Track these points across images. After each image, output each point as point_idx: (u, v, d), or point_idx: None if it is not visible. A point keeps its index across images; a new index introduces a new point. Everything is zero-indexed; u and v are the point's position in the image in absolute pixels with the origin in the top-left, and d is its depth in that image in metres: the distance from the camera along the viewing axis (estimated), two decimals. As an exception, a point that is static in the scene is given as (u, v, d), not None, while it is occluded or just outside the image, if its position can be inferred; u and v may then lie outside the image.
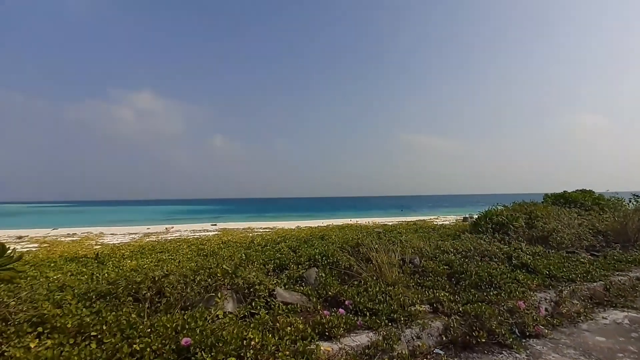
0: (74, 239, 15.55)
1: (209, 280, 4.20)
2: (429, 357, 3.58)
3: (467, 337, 3.73)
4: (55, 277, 5.14)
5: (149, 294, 3.81)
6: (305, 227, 17.87)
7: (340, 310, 3.73)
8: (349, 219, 24.82)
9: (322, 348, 3.12)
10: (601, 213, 11.23)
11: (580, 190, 14.11)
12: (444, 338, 3.85)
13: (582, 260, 6.66)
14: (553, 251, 7.29)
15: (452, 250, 6.69)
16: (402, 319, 3.80)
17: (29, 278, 5.13)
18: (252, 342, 2.89)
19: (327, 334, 3.47)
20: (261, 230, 16.98)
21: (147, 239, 14.02)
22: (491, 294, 4.60)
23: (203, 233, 16.57)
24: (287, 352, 2.92)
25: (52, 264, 6.62)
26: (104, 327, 3.14)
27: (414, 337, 3.72)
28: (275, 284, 4.41)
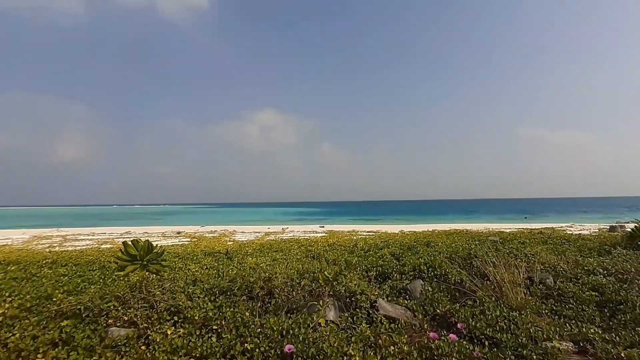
0: (214, 235, 18.02)
1: (313, 285, 4.12)
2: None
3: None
4: (194, 269, 5.88)
5: (260, 293, 3.93)
6: (409, 231, 16.85)
7: (452, 335, 3.11)
8: (457, 224, 22.50)
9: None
10: None
11: None
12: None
13: None
14: None
15: (600, 270, 5.06)
16: (534, 356, 2.89)
17: (176, 269, 6.03)
18: (352, 360, 2.62)
19: (435, 362, 2.94)
20: (365, 234, 16.72)
21: (267, 238, 15.27)
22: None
23: (312, 234, 17.22)
24: (390, 378, 2.56)
25: (194, 258, 7.63)
26: (223, 323, 3.31)
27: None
28: (377, 295, 4.07)
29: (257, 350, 2.88)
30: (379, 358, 2.77)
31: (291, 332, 3.07)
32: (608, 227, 15.19)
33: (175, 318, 3.41)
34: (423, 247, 8.76)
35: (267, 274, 4.14)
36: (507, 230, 15.80)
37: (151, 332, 3.22)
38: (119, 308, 3.53)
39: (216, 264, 6.44)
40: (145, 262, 3.80)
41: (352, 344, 2.91)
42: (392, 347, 2.91)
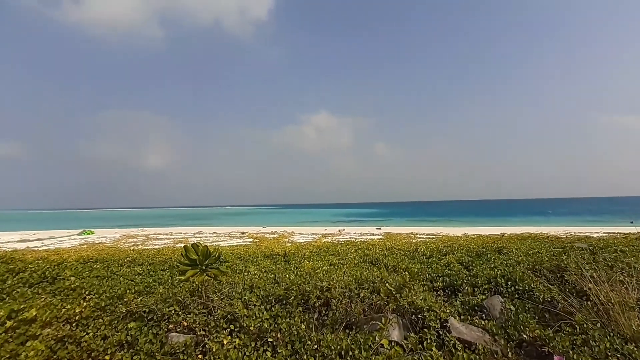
0: (274, 236, 18.42)
1: (373, 297, 3.69)
2: None
3: None
4: (253, 272, 5.82)
5: (317, 303, 3.61)
6: (474, 235, 15.31)
7: (551, 373, 2.45)
8: (528, 227, 19.97)
9: None
10: None
11: None
12: None
13: None
14: None
15: None
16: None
17: (237, 271, 6.04)
18: (425, 398, 2.14)
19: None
20: (424, 237, 15.60)
21: (324, 240, 15.09)
22: None
23: (369, 236, 16.61)
24: None
25: (254, 260, 7.66)
26: (278, 335, 3.05)
27: None
28: (448, 313, 3.47)
29: (313, 371, 2.56)
30: (456, 396, 2.25)
31: (350, 353, 2.69)
32: None
33: (232, 327, 3.25)
34: (494, 254, 7.72)
35: (324, 283, 3.81)
36: (595, 235, 13.52)
37: (208, 340, 3.10)
38: (180, 313, 3.50)
39: (274, 267, 6.33)
40: (204, 267, 3.74)
41: (422, 375, 2.43)
42: (471, 382, 2.36)
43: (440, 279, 5.02)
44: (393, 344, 2.91)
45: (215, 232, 21.25)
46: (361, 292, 3.84)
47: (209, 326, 3.29)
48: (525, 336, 3.20)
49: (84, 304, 4.03)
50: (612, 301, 3.43)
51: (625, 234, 13.78)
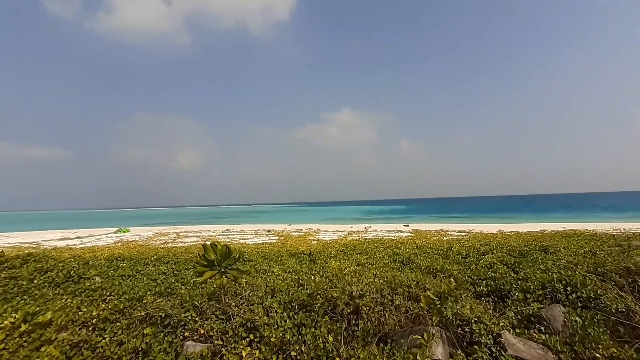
0: (300, 233, 18.17)
1: (409, 305, 3.21)
2: None
3: None
4: (277, 272, 5.50)
5: (346, 311, 3.19)
6: (511, 232, 14.23)
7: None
8: (569, 224, 18.37)
9: None
10: None
11: None
12: None
13: None
14: None
15: None
16: None
17: (260, 271, 5.76)
18: None
19: None
20: (456, 234, 14.70)
21: (350, 237, 14.62)
22: None
23: (396, 234, 15.93)
24: None
25: (279, 259, 7.36)
26: (303, 349, 2.66)
27: None
28: (500, 326, 2.92)
29: (343, 394, 2.15)
30: None
31: (387, 374, 2.25)
32: None
33: (251, 336, 2.91)
34: (539, 253, 6.94)
35: (353, 288, 3.39)
36: (650, 232, 12.12)
37: (225, 350, 2.78)
38: (197, 319, 3.21)
39: (298, 268, 5.98)
40: (223, 268, 3.44)
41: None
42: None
43: (484, 282, 4.43)
44: (437, 363, 2.44)
45: (242, 230, 21.38)
46: (395, 298, 3.38)
47: (227, 335, 2.97)
48: (597, 355, 2.62)
49: (102, 305, 3.87)
50: None
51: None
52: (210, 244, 3.57)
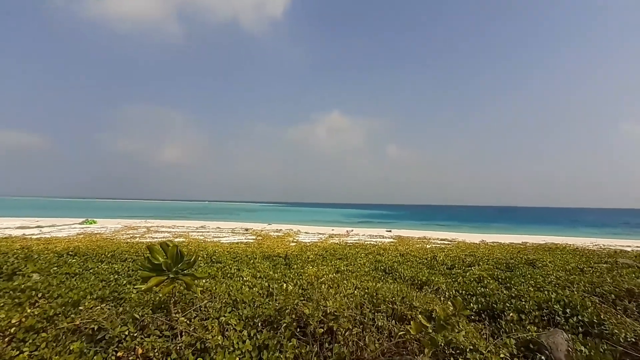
0: (279, 234, 17.56)
1: (394, 326, 2.74)
2: None
3: None
4: (246, 277, 4.94)
5: (319, 331, 2.68)
6: (493, 242, 14.13)
7: None
8: (551, 237, 18.56)
9: None
10: None
11: None
12: None
13: None
14: None
15: None
16: None
17: (227, 276, 5.18)
18: None
19: None
20: (439, 242, 14.49)
21: (331, 240, 14.16)
22: None
23: (379, 239, 15.60)
24: None
25: (251, 261, 6.78)
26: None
27: None
28: (499, 357, 2.48)
29: None
30: None
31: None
32: None
33: (200, 360, 2.36)
34: (527, 267, 6.66)
35: (328, 304, 2.88)
36: (629, 249, 12.25)
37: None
38: (135, 335, 2.62)
39: (272, 273, 5.43)
40: (173, 274, 2.87)
41: None
42: None
43: (474, 298, 4.04)
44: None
45: (218, 227, 20.55)
46: (377, 316, 2.90)
47: (170, 357, 2.41)
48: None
49: (29, 310, 3.22)
50: None
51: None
52: (160, 244, 3.00)
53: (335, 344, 2.56)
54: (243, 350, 2.44)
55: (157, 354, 2.46)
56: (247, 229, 19.60)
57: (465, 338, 2.54)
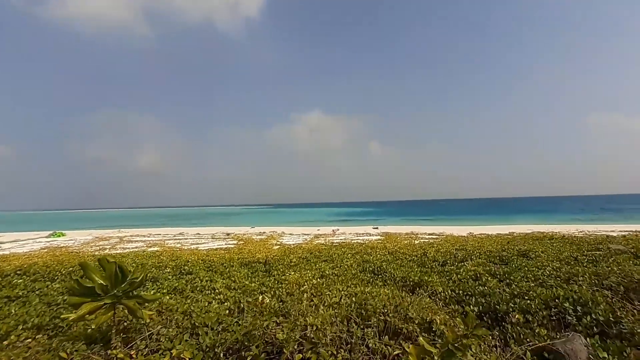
0: (262, 237, 16.91)
1: (386, 345, 2.28)
2: None
3: None
4: (220, 288, 4.40)
5: (297, 357, 2.19)
6: (481, 234, 14.02)
7: None
8: (535, 226, 18.75)
9: None
10: None
11: None
12: None
13: None
14: None
15: None
16: None
17: (198, 288, 4.61)
18: None
19: None
20: (427, 237, 14.23)
21: (316, 241, 13.66)
22: None
23: (366, 237, 15.22)
24: None
25: (227, 270, 6.21)
26: None
27: None
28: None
29: None
30: None
31: None
32: None
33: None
34: (520, 259, 6.40)
35: (307, 320, 2.39)
36: (614, 234, 12.38)
37: None
38: (61, 379, 2.05)
39: (247, 282, 4.89)
40: (111, 299, 2.31)
41: None
42: None
43: (473, 299, 3.65)
44: None
45: (198, 234, 19.66)
46: (367, 332, 2.44)
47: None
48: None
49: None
50: None
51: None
52: (99, 259, 2.44)
53: (317, 372, 2.08)
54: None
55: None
56: (228, 234, 18.82)
57: (475, 356, 2.10)
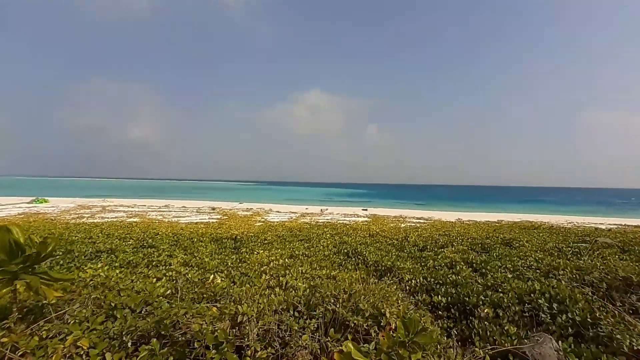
0: (248, 213, 16.65)
1: (325, 342, 1.98)
2: None
3: None
4: (175, 265, 4.09)
5: (227, 350, 1.87)
6: (469, 221, 13.87)
7: None
8: (524, 215, 18.69)
9: None
10: None
11: None
12: None
13: None
14: None
15: None
16: None
17: (154, 263, 4.30)
18: None
19: None
20: (414, 221, 14.07)
21: (302, 220, 13.45)
22: None
23: (353, 218, 15.04)
24: None
25: (195, 244, 5.91)
26: None
27: None
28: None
29: None
30: None
31: None
32: None
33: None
34: (503, 247, 6.17)
35: (239, 309, 2.07)
36: (602, 227, 12.28)
37: None
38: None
39: (207, 260, 4.59)
40: (8, 274, 1.96)
41: None
42: None
43: (443, 289, 3.38)
44: None
45: (184, 207, 19.37)
46: (309, 324, 2.13)
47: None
48: None
49: None
50: None
51: (635, 226, 12.56)
52: (-3, 228, 2.06)
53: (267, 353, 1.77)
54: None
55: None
56: (213, 208, 18.55)
57: (435, 353, 1.80)
